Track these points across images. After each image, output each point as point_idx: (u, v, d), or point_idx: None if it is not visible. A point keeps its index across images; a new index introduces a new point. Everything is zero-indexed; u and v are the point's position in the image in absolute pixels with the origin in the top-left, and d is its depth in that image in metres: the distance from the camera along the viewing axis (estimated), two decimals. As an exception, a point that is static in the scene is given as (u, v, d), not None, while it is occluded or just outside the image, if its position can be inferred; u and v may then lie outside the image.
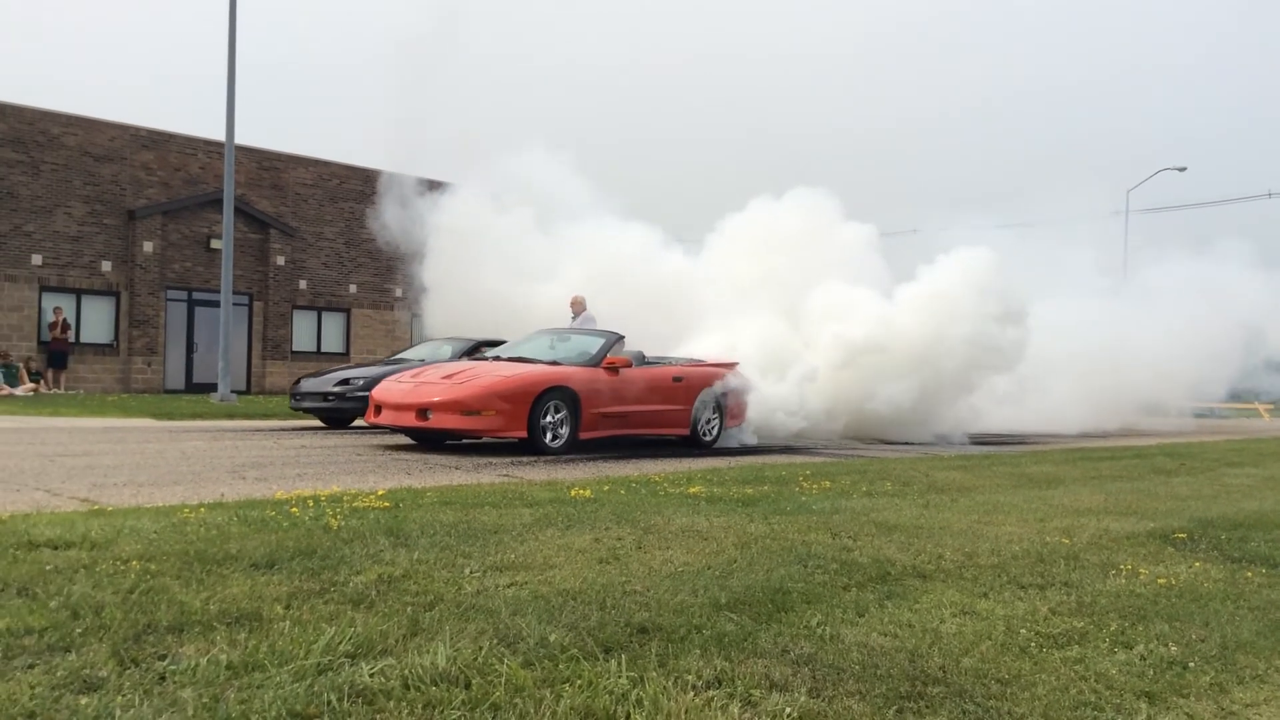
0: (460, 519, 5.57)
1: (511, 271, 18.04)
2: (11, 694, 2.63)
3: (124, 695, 2.68)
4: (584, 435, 11.57)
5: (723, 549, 5.11)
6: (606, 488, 7.40)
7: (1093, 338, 22.75)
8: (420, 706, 2.72)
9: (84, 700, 2.63)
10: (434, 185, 22.96)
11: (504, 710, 2.73)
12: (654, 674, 3.05)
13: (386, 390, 11.71)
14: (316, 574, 4.08)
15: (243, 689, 2.76)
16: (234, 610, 3.46)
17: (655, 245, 19.89)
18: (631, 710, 2.78)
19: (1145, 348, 23.52)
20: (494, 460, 10.23)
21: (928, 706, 3.00)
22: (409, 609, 3.63)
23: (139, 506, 5.88)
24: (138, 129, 27.94)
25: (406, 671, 2.93)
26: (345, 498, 6.31)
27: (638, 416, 12.42)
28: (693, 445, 13.19)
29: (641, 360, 12.94)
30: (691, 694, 2.93)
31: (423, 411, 10.94)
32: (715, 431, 13.51)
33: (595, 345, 12.70)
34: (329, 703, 2.69)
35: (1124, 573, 5.09)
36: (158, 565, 4.04)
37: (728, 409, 13.64)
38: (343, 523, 5.22)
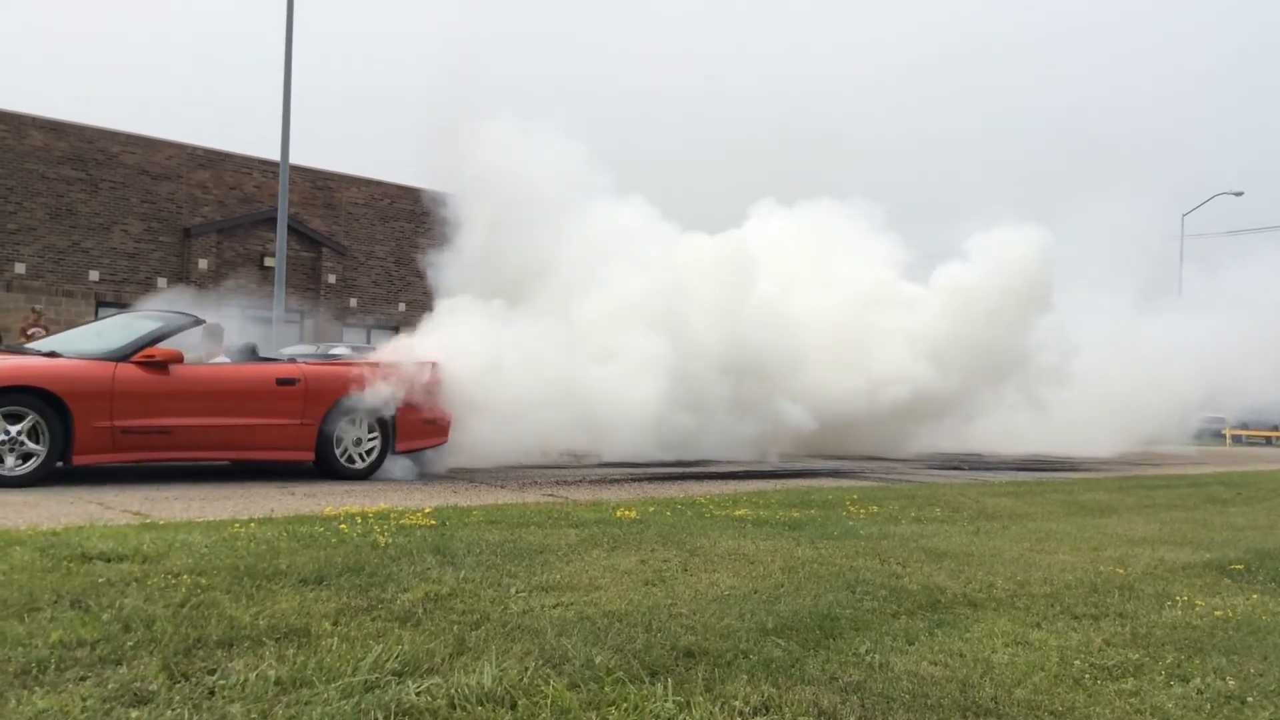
0: (506, 538, 5.58)
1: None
2: (63, 705, 2.65)
3: (173, 709, 2.70)
4: (81, 459, 8.09)
5: (769, 573, 5.07)
6: (652, 509, 7.38)
7: (1122, 358, 22.09)
8: (466, 727, 2.72)
9: (134, 713, 2.65)
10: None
11: (550, 732, 2.72)
12: (700, 699, 3.03)
13: None
14: (364, 591, 4.10)
15: (291, 705, 2.77)
16: (283, 626, 3.48)
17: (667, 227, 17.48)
18: (678, 735, 2.76)
19: (1174, 370, 22.86)
20: (539, 480, 10.23)
21: (979, 738, 2.95)
22: (455, 628, 3.63)
23: (190, 520, 5.94)
24: (195, 148, 28.46)
25: (453, 691, 2.93)
26: (392, 515, 6.34)
27: (203, 433, 8.73)
28: (330, 475, 9.49)
29: (251, 355, 9.64)
30: (738, 720, 2.90)
31: None
32: (373, 456, 9.73)
33: (139, 331, 8.88)
34: (376, 721, 2.70)
35: (1180, 604, 4.98)
36: (208, 579, 4.07)
37: (399, 426, 9.86)
38: (390, 540, 5.24)
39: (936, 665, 3.62)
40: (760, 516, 7.27)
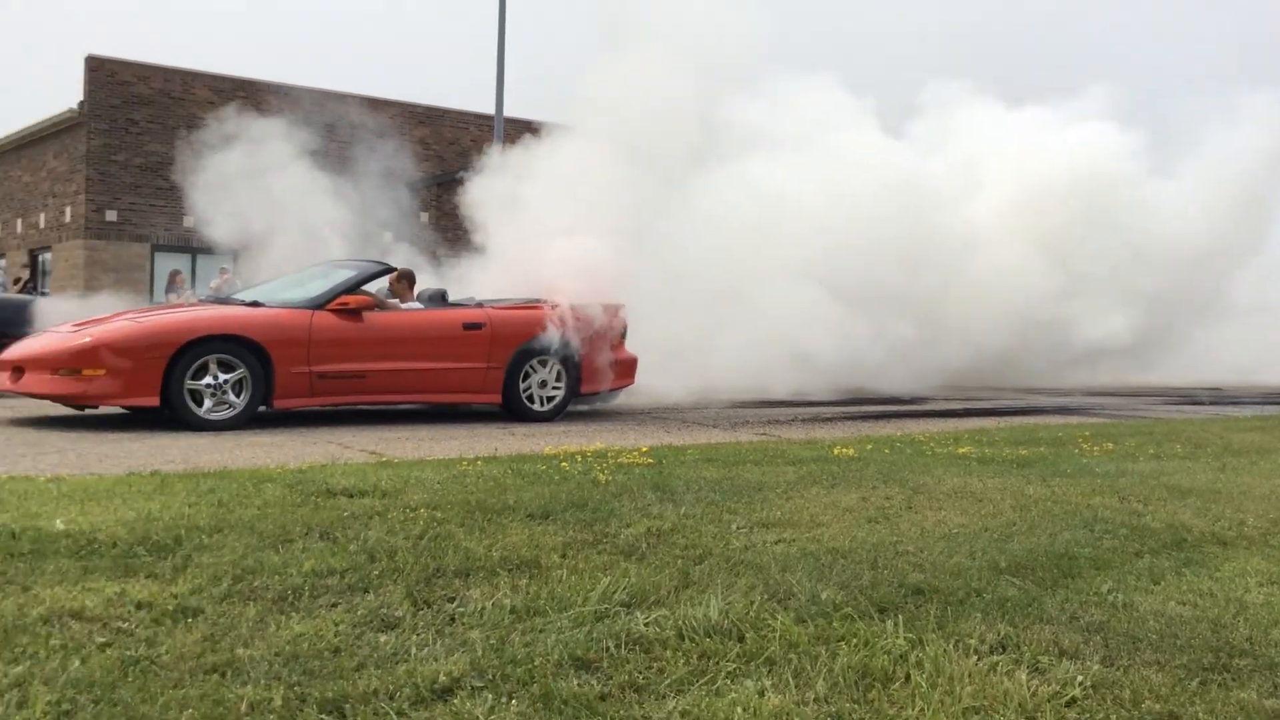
0: (723, 476, 5.59)
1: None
2: (318, 630, 2.81)
3: (419, 634, 2.82)
4: (282, 404, 8.49)
5: (999, 511, 4.90)
6: (870, 447, 7.25)
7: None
8: (695, 657, 2.74)
9: (383, 638, 2.78)
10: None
11: (780, 665, 2.70)
12: (933, 636, 2.95)
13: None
14: (589, 525, 4.19)
15: (526, 632, 2.86)
16: (514, 558, 3.59)
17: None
18: (911, 671, 2.69)
19: None
20: (750, 419, 10.21)
21: (1234, 679, 2.76)
22: (679, 562, 3.66)
23: (422, 459, 6.22)
24: (414, 106, 29.52)
25: (680, 622, 2.95)
26: (610, 454, 6.45)
27: (394, 378, 9.00)
28: (515, 417, 9.67)
29: (441, 301, 9.82)
30: (974, 658, 2.81)
31: (17, 370, 8.17)
32: (559, 398, 9.85)
33: (334, 280, 9.21)
34: (607, 649, 2.74)
35: None
36: (443, 513, 4.24)
37: (585, 368, 9.96)
38: (610, 477, 5.34)
39: (1185, 605, 3.42)
40: (985, 454, 7.03)
